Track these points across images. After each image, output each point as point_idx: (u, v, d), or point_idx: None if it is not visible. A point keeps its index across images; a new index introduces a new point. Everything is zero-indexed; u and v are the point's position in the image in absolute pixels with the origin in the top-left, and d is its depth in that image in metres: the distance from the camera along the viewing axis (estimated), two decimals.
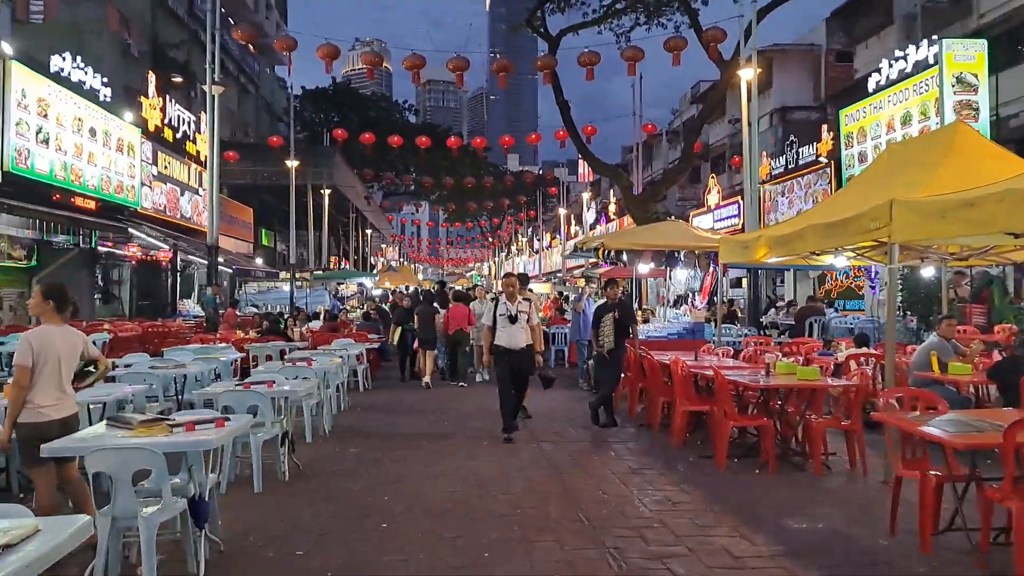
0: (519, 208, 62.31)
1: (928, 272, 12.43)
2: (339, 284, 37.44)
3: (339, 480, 6.85)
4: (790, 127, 26.66)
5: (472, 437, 8.77)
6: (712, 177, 29.39)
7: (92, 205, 18.99)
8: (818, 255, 8.93)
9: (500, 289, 10.10)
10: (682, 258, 13.73)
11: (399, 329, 14.59)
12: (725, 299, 11.96)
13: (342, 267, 47.46)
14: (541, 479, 6.78)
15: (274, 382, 7.39)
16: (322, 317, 21.63)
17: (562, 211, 49.24)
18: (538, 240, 62.92)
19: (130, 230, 20.05)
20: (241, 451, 6.95)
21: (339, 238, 51.69)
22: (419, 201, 68.24)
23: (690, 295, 16.33)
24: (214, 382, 9.03)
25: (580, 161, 59.40)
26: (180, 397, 8.82)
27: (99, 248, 21.26)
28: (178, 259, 25.04)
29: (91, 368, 5.39)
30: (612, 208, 42.18)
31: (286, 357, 11.21)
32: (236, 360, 11.08)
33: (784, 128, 27.37)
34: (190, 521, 4.66)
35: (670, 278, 16.59)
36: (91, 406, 6.69)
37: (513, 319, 8.55)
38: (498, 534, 5.24)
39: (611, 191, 44.06)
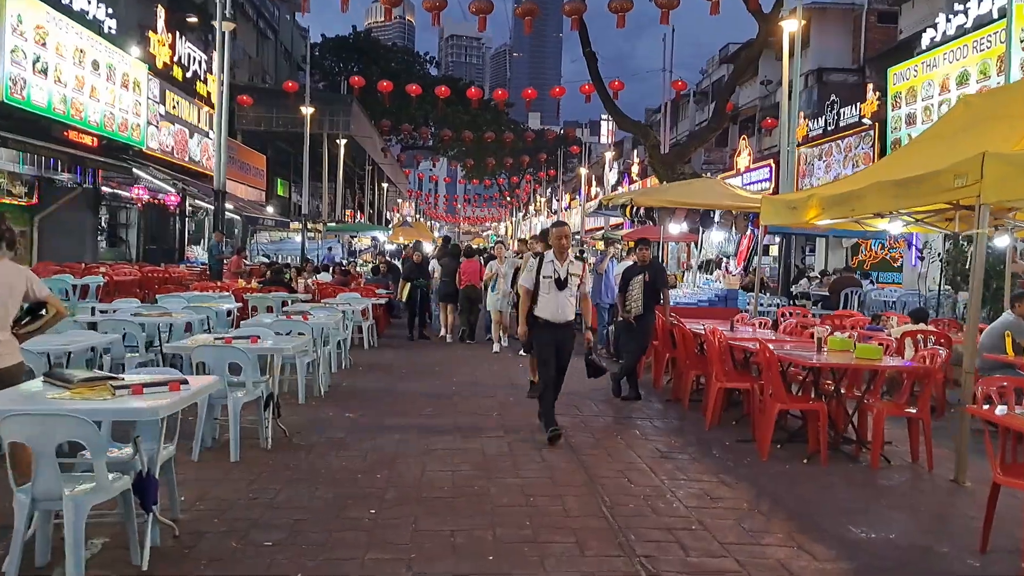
0: (539, 167, 60.99)
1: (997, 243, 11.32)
2: (352, 237, 36.70)
3: (327, 452, 6.01)
4: (827, 89, 25.31)
5: (482, 408, 7.92)
6: (743, 139, 28.12)
7: (91, 141, 18.08)
8: (883, 217, 7.92)
9: (538, 246, 8.32)
10: (717, 219, 12.67)
11: (408, 285, 13.74)
12: (759, 265, 10.97)
13: (357, 220, 46.61)
14: (557, 462, 5.91)
15: (259, 337, 6.54)
16: (331, 270, 20.89)
17: (583, 171, 47.86)
18: (557, 200, 61.63)
19: (135, 171, 19.16)
20: (221, 413, 6.14)
21: (355, 191, 50.79)
22: (437, 156, 66.86)
23: (723, 260, 15.25)
24: (206, 334, 8.23)
25: (602, 121, 57.88)
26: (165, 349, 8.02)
27: (103, 188, 20.48)
28: (186, 203, 24.24)
29: (42, 312, 4.58)
30: (635, 169, 40.95)
31: (284, 309, 10.47)
32: (234, 311, 10.29)
33: (820, 90, 26.04)
34: (134, 502, 3.86)
35: (700, 241, 15.50)
36: (53, 356, 5.90)
37: (562, 283, 6.63)
38: (505, 530, 4.38)
39: (634, 152, 42.72)
